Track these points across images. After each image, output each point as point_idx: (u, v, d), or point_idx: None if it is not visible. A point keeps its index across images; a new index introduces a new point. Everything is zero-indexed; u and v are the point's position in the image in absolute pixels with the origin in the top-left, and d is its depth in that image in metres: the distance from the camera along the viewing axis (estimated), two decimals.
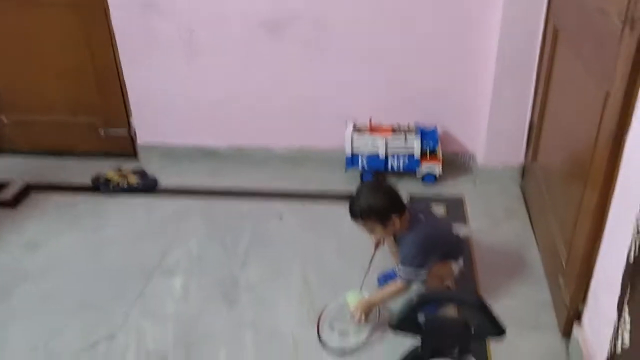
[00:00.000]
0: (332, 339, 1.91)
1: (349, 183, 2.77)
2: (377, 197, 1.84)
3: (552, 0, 2.22)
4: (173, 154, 3.01)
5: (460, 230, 2.30)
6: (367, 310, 1.92)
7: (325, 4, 2.56)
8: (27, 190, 2.80)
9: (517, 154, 2.65)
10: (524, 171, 2.66)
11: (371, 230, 1.89)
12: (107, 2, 2.66)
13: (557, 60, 2.17)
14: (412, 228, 1.88)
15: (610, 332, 1.33)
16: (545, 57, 2.29)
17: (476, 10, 2.47)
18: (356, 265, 2.09)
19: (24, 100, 2.99)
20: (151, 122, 2.97)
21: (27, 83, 2.95)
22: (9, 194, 2.75)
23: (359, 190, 1.90)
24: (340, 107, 2.79)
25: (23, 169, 2.98)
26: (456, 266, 1.98)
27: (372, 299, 1.94)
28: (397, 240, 1.97)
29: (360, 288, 2.00)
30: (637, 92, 1.36)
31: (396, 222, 1.83)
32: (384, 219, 1.82)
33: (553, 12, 2.22)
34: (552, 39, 2.20)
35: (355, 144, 2.71)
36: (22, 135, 3.09)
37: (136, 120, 2.98)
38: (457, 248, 2.01)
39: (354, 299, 1.97)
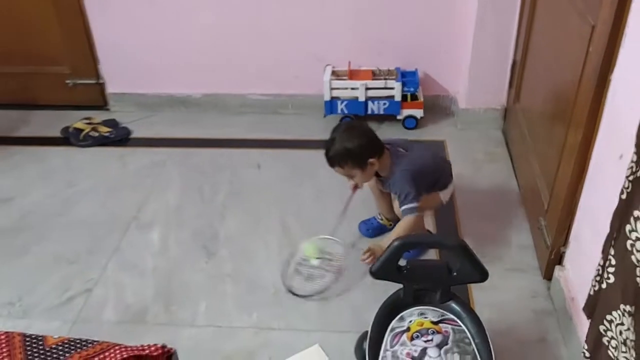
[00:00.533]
0: (299, 284, 1.89)
1: (328, 129, 2.67)
2: (352, 140, 1.75)
3: None
4: (145, 103, 2.91)
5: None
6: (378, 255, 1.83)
7: None
8: None
9: (499, 96, 2.60)
10: (506, 113, 2.62)
11: (350, 176, 1.83)
12: None
13: None
14: (396, 165, 1.80)
15: (592, 272, 1.32)
16: None
17: None
18: (335, 212, 2.05)
19: None
20: (121, 71, 2.85)
21: None
22: None
23: (333, 135, 1.82)
24: (318, 52, 2.70)
25: None
26: (446, 193, 1.93)
27: (385, 242, 1.79)
28: (385, 182, 1.88)
29: (333, 233, 1.96)
30: (624, 26, 1.30)
31: (375, 164, 1.77)
32: (361, 162, 1.76)
33: None
34: None
35: (333, 89, 2.63)
36: None
37: (105, 69, 2.85)
38: (445, 174, 1.94)
39: (310, 250, 1.95)
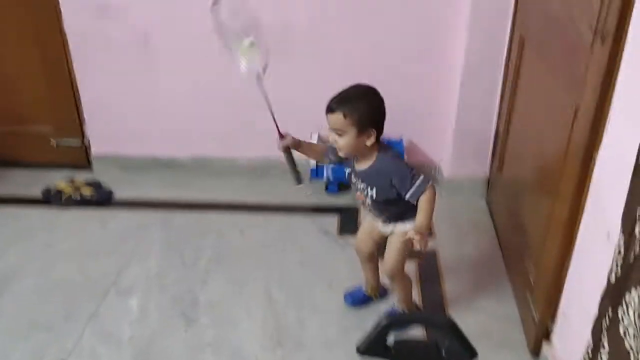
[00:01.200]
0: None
1: (313, 194, 2.71)
2: (373, 101, 1.65)
3: (519, 8, 2.21)
4: (130, 165, 2.88)
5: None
6: (426, 237, 1.65)
7: (288, 11, 2.49)
8: None
9: (483, 166, 2.63)
10: (490, 183, 2.65)
11: (340, 131, 1.63)
12: (59, 3, 2.53)
13: (524, 69, 2.15)
14: (384, 152, 1.68)
15: (581, 350, 1.30)
16: (512, 66, 2.28)
17: (441, 20, 2.45)
18: (321, 279, 2.02)
19: None
20: (106, 132, 2.84)
21: None
22: None
23: (352, 86, 1.69)
24: (306, 117, 2.72)
25: None
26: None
27: (422, 224, 1.63)
28: (360, 174, 1.74)
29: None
30: (608, 108, 1.33)
31: (370, 137, 1.63)
32: (364, 125, 1.61)
33: (519, 20, 2.20)
34: (518, 47, 2.18)
35: None
36: None
37: (90, 130, 2.84)
38: None
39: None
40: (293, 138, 1.85)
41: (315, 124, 2.68)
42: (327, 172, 2.68)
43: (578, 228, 1.51)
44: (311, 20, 2.51)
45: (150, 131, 2.82)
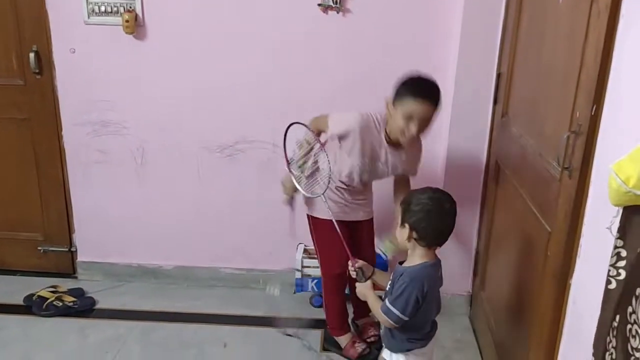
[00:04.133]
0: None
1: (298, 306, 2.71)
2: (428, 207, 1.65)
3: (494, 138, 2.38)
4: (115, 273, 2.89)
5: None
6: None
7: (279, 129, 2.60)
8: None
9: (464, 284, 2.68)
10: (472, 300, 2.68)
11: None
12: (59, 118, 2.66)
13: (500, 192, 2.27)
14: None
15: None
16: (490, 188, 2.40)
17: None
18: None
19: None
20: (94, 240, 2.87)
21: None
22: None
23: (431, 189, 1.71)
24: (291, 229, 2.79)
25: None
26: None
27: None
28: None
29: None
30: (579, 236, 1.42)
31: (408, 238, 1.68)
32: (404, 218, 1.66)
33: (495, 148, 2.36)
34: (495, 172, 2.33)
35: (305, 267, 2.68)
36: None
37: (78, 238, 2.88)
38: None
39: None
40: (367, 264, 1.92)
41: (302, 238, 2.77)
42: (312, 284, 2.70)
43: (558, 350, 1.54)
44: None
45: (137, 240, 2.86)
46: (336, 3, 2.40)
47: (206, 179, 2.74)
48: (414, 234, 1.64)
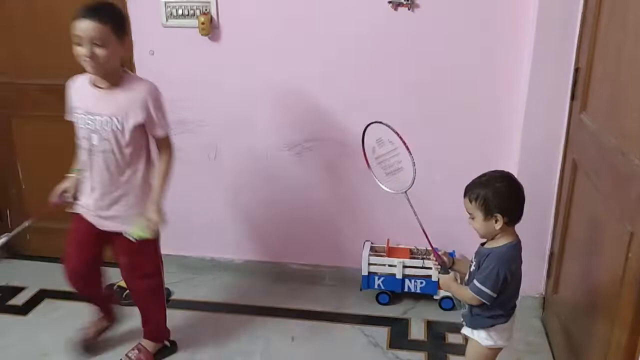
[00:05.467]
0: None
1: (364, 303, 2.73)
2: (496, 186, 1.69)
3: (571, 135, 2.29)
4: (189, 266, 3.00)
5: None
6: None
7: (347, 127, 2.64)
8: (41, 296, 2.80)
9: (537, 285, 2.60)
10: (545, 303, 2.60)
11: (473, 216, 1.73)
12: None
13: (577, 192, 2.19)
14: (507, 245, 1.72)
15: None
16: (565, 187, 2.32)
17: (493, 145, 2.56)
18: None
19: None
20: (169, 234, 2.96)
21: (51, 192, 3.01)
22: (21, 299, 2.76)
23: (487, 172, 1.76)
24: (359, 228, 2.81)
25: (40, 275, 2.99)
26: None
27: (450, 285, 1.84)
28: (479, 249, 1.79)
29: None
30: None
31: (497, 222, 1.69)
32: (489, 210, 1.68)
33: (572, 146, 2.28)
34: (571, 171, 2.24)
35: (371, 265, 2.69)
36: (44, 241, 3.11)
37: None
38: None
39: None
40: (451, 258, 1.93)
41: (369, 236, 2.78)
42: (378, 281, 2.70)
43: (639, 354, 1.48)
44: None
45: (209, 235, 2.96)
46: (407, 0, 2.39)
47: (275, 176, 2.80)
48: (505, 219, 1.68)
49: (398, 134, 1.89)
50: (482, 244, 1.80)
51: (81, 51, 1.85)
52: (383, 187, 2.00)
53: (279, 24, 2.56)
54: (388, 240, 2.74)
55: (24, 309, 2.71)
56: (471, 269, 1.80)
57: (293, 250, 2.92)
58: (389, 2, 2.42)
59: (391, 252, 2.72)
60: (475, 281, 1.72)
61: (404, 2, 2.41)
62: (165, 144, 2.10)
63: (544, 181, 2.44)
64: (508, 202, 1.70)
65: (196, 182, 2.85)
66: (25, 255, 3.16)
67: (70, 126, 2.80)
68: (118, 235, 2.07)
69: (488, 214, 1.69)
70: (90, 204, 2.10)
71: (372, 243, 2.77)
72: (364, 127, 2.00)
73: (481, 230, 1.74)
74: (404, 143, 1.89)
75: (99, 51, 1.85)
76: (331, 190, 2.79)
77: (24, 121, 2.94)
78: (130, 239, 2.01)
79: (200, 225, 2.94)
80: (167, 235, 2.96)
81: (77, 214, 2.15)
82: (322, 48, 2.56)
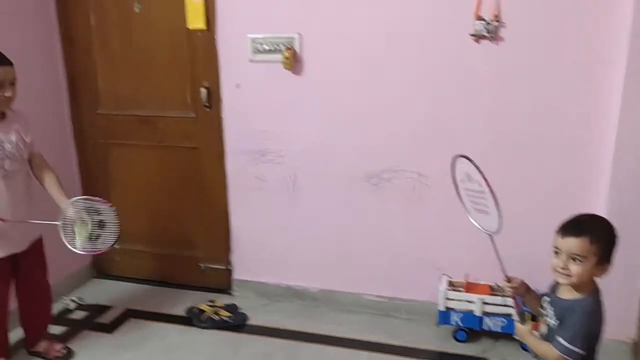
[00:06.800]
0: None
1: (440, 339, 2.66)
2: (613, 231, 1.59)
3: None
4: (265, 292, 3.06)
5: None
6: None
7: (425, 157, 2.65)
8: (126, 316, 2.93)
9: (628, 329, 2.45)
10: (636, 349, 2.43)
11: (581, 260, 1.54)
12: (224, 147, 2.92)
13: None
14: (594, 293, 1.60)
15: None
16: None
17: (579, 179, 2.47)
18: None
19: (138, 232, 3.22)
20: (248, 260, 3.08)
21: (144, 216, 3.21)
22: (108, 318, 2.91)
23: (589, 215, 1.65)
24: (436, 260, 2.77)
25: (126, 295, 3.15)
26: None
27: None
28: (555, 299, 1.67)
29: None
30: None
31: (604, 272, 1.58)
32: (605, 255, 1.56)
33: None
34: None
35: (449, 300, 2.63)
36: (131, 262, 3.30)
37: (235, 257, 3.10)
38: None
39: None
40: (524, 283, 1.80)
41: (446, 269, 2.73)
42: (456, 317, 2.64)
43: None
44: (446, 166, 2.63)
45: (286, 262, 3.01)
46: (490, 32, 2.39)
47: (353, 206, 2.83)
48: (608, 266, 1.58)
49: (485, 179, 1.74)
50: (552, 290, 1.68)
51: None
52: (471, 219, 1.88)
53: (359, 57, 2.62)
54: (467, 275, 2.68)
55: (109, 327, 2.84)
56: (549, 323, 1.66)
57: (368, 281, 2.91)
58: (472, 35, 2.42)
59: (470, 287, 2.65)
60: (561, 339, 1.57)
61: (487, 35, 2.40)
62: None
63: (635, 217, 2.32)
64: (615, 252, 1.58)
65: (275, 210, 2.93)
66: (113, 276, 3.34)
67: (158, 154, 2.99)
68: None
69: (604, 260, 1.55)
70: None
71: (449, 277, 2.72)
72: (455, 156, 1.86)
73: (583, 277, 1.55)
74: (491, 190, 1.73)
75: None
76: (408, 222, 2.77)
77: (118, 149, 3.14)
78: None
79: (277, 253, 3.01)
80: (244, 261, 3.08)
81: None
82: (402, 80, 2.59)
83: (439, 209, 2.68)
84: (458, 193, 1.87)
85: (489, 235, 1.79)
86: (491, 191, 1.71)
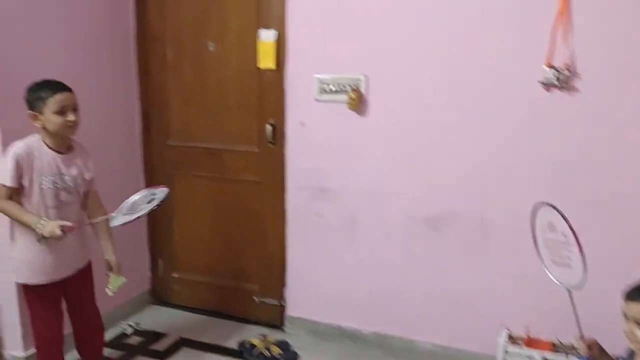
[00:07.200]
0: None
1: None
2: None
3: None
4: (317, 331, 3.04)
5: None
6: None
7: (485, 200, 2.60)
8: (179, 344, 2.98)
9: None
10: None
11: None
12: (285, 183, 2.97)
13: None
14: None
15: None
16: None
17: None
18: None
19: (196, 262, 3.30)
20: (302, 297, 3.07)
21: (204, 246, 3.28)
22: (163, 345, 2.95)
23: None
24: (495, 311, 2.67)
25: (181, 323, 3.20)
26: None
27: None
28: None
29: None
30: None
31: None
32: None
33: None
34: None
35: (508, 355, 2.53)
36: (188, 292, 3.36)
37: (289, 293, 3.10)
38: None
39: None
40: (599, 346, 1.74)
41: (504, 320, 2.63)
42: None
43: None
44: (509, 212, 2.57)
45: (340, 302, 2.98)
46: (561, 82, 2.34)
47: (411, 249, 2.79)
48: None
49: (573, 230, 1.67)
50: (630, 355, 1.58)
51: None
52: (549, 273, 1.81)
53: (423, 99, 2.63)
54: (528, 329, 2.57)
55: (163, 355, 2.88)
56: None
57: (423, 327, 2.84)
58: (541, 83, 2.39)
59: (531, 342, 2.53)
60: None
61: (557, 84, 2.36)
62: None
63: None
64: None
65: (332, 247, 2.93)
66: (170, 304, 3.40)
67: (221, 186, 3.06)
68: None
69: None
70: None
71: (509, 330, 2.61)
72: (538, 203, 1.81)
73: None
74: (578, 242, 1.67)
75: None
76: (468, 268, 2.70)
77: (184, 179, 3.24)
78: None
79: (331, 291, 2.99)
80: (298, 297, 3.07)
81: None
82: (466, 123, 2.57)
83: (501, 257, 2.61)
84: (535, 243, 1.82)
85: (568, 290, 1.73)
86: (578, 243, 1.65)
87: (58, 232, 2.06)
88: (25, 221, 2.10)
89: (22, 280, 2.23)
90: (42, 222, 2.07)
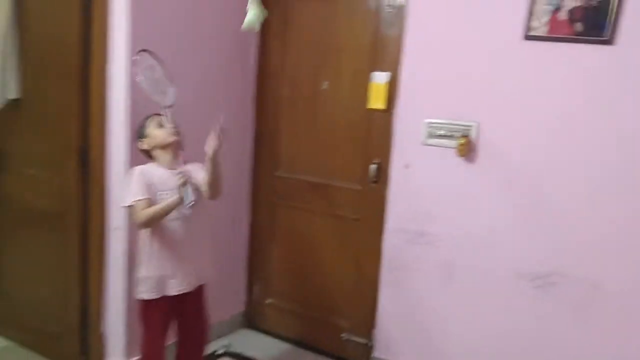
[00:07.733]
0: None
1: None
2: None
3: None
4: None
5: None
6: None
7: (600, 262, 2.44)
8: None
9: None
10: None
11: None
12: (384, 223, 2.97)
13: None
14: None
15: None
16: None
17: None
18: None
19: (290, 291, 3.37)
20: (391, 340, 3.02)
21: (299, 276, 3.34)
22: None
23: None
24: None
25: (269, 350, 3.25)
26: None
27: None
28: None
29: None
30: None
31: None
32: None
33: None
34: None
35: None
36: (279, 319, 3.42)
37: (378, 334, 3.06)
38: None
39: None
40: None
41: None
42: None
43: None
44: (623, 274, 2.39)
45: (429, 352, 2.90)
46: None
47: (510, 307, 2.66)
48: None
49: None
50: None
51: None
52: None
53: (537, 148, 2.54)
54: None
55: None
56: None
57: None
58: None
59: None
60: None
61: None
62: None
63: None
64: None
65: (426, 294, 2.87)
66: (262, 329, 3.48)
67: (321, 219, 3.12)
68: None
69: None
70: None
71: None
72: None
73: None
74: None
75: None
76: (575, 336, 2.53)
77: (286, 210, 3.34)
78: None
79: (422, 339, 2.91)
80: (387, 340, 3.02)
81: None
82: (585, 176, 2.45)
83: (614, 329, 2.42)
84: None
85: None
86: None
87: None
88: (169, 206, 2.23)
89: (137, 296, 2.35)
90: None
